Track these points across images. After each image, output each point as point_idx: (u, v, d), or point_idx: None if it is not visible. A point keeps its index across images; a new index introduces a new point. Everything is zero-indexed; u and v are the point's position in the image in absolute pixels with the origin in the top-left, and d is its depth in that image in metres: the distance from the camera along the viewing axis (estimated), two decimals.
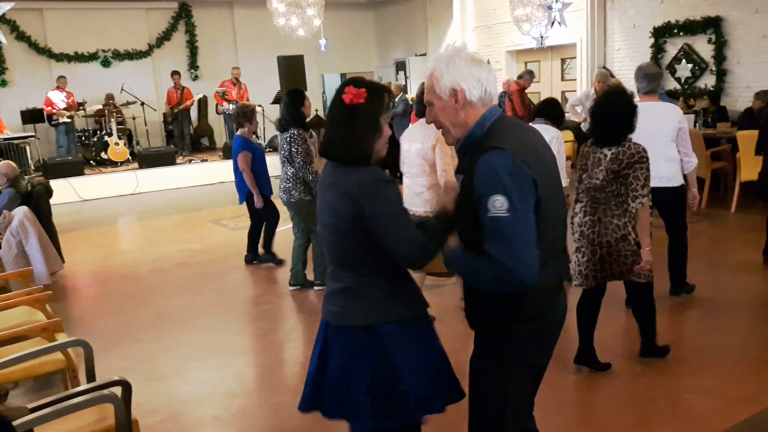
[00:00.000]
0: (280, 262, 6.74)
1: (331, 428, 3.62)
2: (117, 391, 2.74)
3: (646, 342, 4.13)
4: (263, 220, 6.72)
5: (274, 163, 6.63)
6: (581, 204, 3.80)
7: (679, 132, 4.70)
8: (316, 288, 5.83)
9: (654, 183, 4.54)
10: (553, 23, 9.39)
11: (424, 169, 4.52)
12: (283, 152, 5.60)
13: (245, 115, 6.43)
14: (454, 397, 2.35)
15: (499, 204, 1.87)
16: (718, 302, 5.10)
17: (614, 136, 3.67)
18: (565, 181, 4.75)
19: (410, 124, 4.98)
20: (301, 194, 5.60)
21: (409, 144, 4.59)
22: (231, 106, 13.79)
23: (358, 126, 2.19)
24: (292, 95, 5.68)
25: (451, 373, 2.39)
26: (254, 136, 6.95)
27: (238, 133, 6.49)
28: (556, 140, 4.86)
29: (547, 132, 4.79)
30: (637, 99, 4.08)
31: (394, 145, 4.84)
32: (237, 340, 4.99)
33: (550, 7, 9.20)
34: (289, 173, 5.63)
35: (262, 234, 6.82)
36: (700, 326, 4.63)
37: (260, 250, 6.88)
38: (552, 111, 5.14)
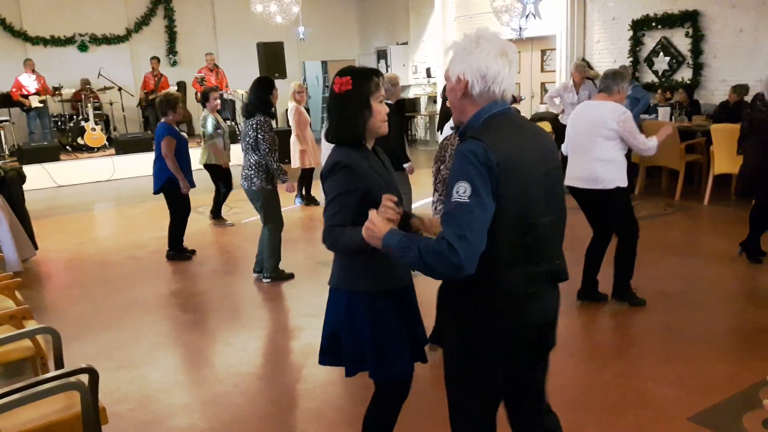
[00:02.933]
0: (188, 258, 6.71)
1: (298, 414, 3.65)
2: (84, 378, 2.73)
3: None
4: (173, 212, 6.60)
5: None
6: (438, 193, 3.90)
7: (621, 133, 4.52)
8: (254, 274, 5.94)
9: (581, 184, 4.62)
10: (527, 15, 9.40)
11: None
12: (247, 139, 5.54)
13: (168, 103, 6.41)
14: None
15: (462, 190, 1.90)
16: (688, 293, 5.19)
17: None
18: None
19: None
20: (263, 183, 5.53)
21: None
22: None
23: (347, 110, 2.40)
24: (262, 82, 5.64)
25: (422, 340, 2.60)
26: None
27: (162, 120, 6.43)
28: None
29: None
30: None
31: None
32: (208, 329, 4.98)
33: (521, 0, 9.21)
34: (252, 161, 5.54)
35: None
36: (668, 317, 4.70)
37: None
38: None
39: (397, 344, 2.48)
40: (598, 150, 4.51)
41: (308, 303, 5.31)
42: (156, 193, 6.54)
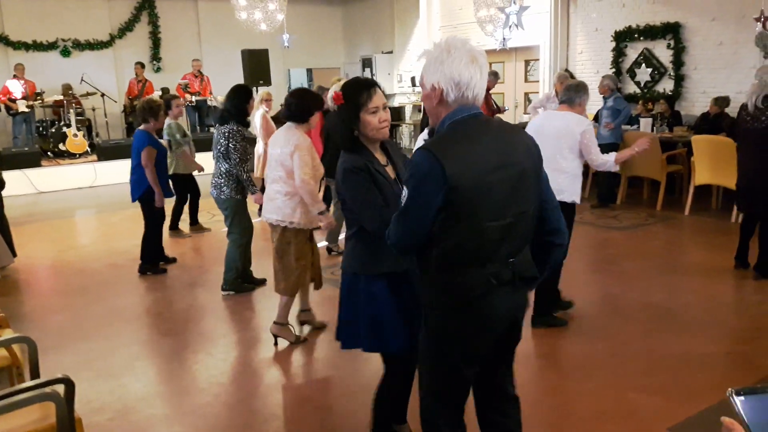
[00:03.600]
0: (163, 271, 6.52)
1: (278, 425, 3.62)
2: (60, 389, 2.69)
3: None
4: (149, 223, 6.41)
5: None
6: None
7: (583, 146, 4.54)
8: (222, 292, 5.75)
9: None
10: (510, 26, 9.47)
11: (280, 175, 4.41)
12: (218, 147, 5.40)
13: (151, 110, 6.18)
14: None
15: (405, 194, 2.13)
16: (669, 304, 5.21)
17: None
18: None
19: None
20: (233, 192, 5.44)
21: (272, 148, 4.51)
22: (194, 99, 13.64)
23: (344, 121, 2.74)
24: (239, 90, 5.52)
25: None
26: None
27: (142, 128, 6.22)
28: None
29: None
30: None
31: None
32: (190, 339, 4.93)
33: (503, 10, 9.27)
34: (222, 169, 5.43)
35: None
36: (650, 327, 4.73)
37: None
38: None
39: (393, 322, 2.74)
40: (562, 161, 4.54)
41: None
42: (134, 201, 6.37)
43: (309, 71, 17.49)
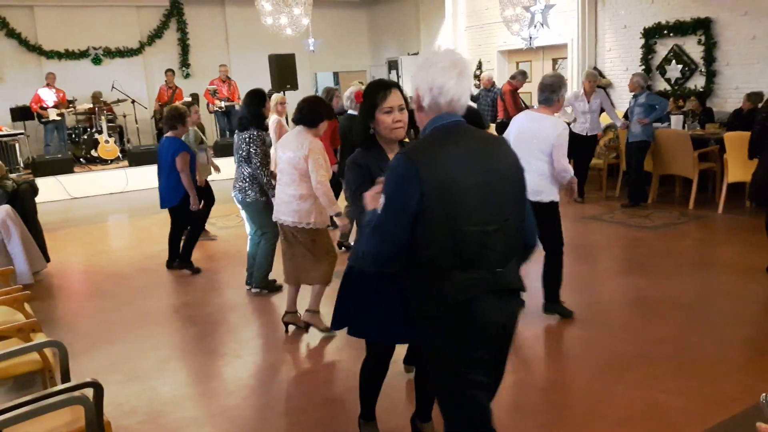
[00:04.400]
0: (197, 271, 6.63)
1: (307, 426, 3.62)
2: (89, 392, 2.72)
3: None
4: (187, 225, 6.58)
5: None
6: None
7: (553, 149, 4.54)
8: (253, 290, 5.87)
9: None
10: (536, 25, 9.39)
11: (293, 178, 4.53)
12: (240, 152, 5.55)
13: (179, 117, 6.31)
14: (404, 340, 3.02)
15: (382, 201, 2.15)
16: (702, 304, 5.12)
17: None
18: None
19: None
20: (257, 195, 5.56)
21: (282, 152, 4.61)
22: (223, 104, 13.78)
23: (361, 118, 2.89)
24: (254, 96, 5.61)
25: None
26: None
27: (170, 134, 6.33)
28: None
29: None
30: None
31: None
32: (219, 341, 4.97)
33: (528, 9, 9.19)
34: (245, 173, 5.56)
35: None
36: (681, 328, 4.64)
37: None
38: (470, 120, 5.11)
39: (372, 312, 2.91)
40: (538, 163, 4.56)
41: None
42: (170, 207, 6.46)
43: (335, 74, 17.57)
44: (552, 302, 4.93)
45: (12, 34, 13.69)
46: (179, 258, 6.70)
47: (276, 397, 4.01)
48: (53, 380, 3.45)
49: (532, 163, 4.50)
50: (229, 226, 8.63)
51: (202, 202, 7.75)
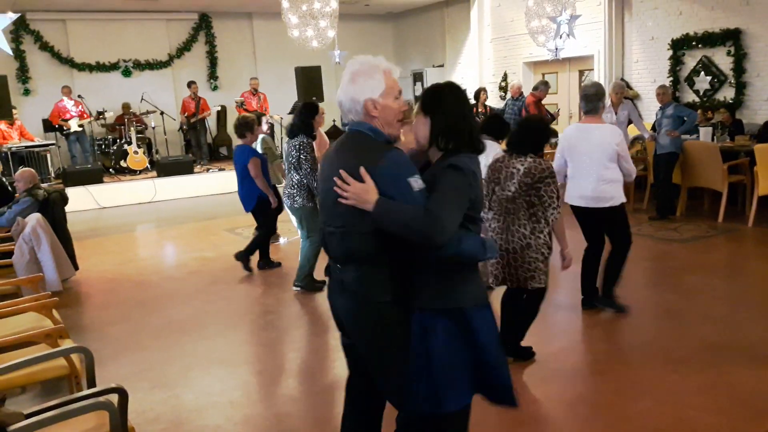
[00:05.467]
0: (249, 270, 6.85)
1: None
2: (114, 398, 2.75)
3: (511, 341, 4.26)
4: (261, 225, 6.85)
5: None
6: (492, 212, 4.12)
7: (619, 156, 4.76)
8: (293, 288, 6.14)
9: (587, 203, 4.91)
10: (561, 35, 9.35)
11: None
12: (290, 159, 5.81)
13: (247, 125, 6.63)
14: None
15: (416, 183, 2.39)
16: (732, 317, 5.02)
17: (524, 148, 4.07)
18: None
19: None
20: (304, 200, 5.82)
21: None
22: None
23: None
24: (307, 106, 6.01)
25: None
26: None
27: (240, 142, 6.67)
28: (494, 154, 4.91)
29: (492, 148, 4.86)
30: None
31: None
32: (243, 350, 4.99)
33: (554, 20, 9.16)
34: (294, 180, 5.83)
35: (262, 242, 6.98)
36: (711, 342, 4.55)
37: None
38: (497, 128, 5.19)
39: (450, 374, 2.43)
40: (605, 171, 4.76)
41: None
42: (248, 211, 6.80)
43: None
44: (606, 296, 5.10)
45: (45, 47, 14.01)
46: (244, 252, 6.86)
47: (301, 407, 4.01)
48: (79, 386, 3.50)
49: (599, 172, 4.73)
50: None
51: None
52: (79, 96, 13.17)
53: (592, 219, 4.99)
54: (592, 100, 4.87)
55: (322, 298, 5.89)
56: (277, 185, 7.48)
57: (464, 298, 2.42)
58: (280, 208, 6.88)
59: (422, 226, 2.23)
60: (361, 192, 2.28)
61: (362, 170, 2.28)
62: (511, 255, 4.03)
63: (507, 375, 2.51)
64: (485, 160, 5.00)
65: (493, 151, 4.89)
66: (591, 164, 4.78)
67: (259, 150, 7.50)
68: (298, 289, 6.10)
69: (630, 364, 4.30)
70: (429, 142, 2.48)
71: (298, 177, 5.79)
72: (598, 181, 4.77)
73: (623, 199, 4.91)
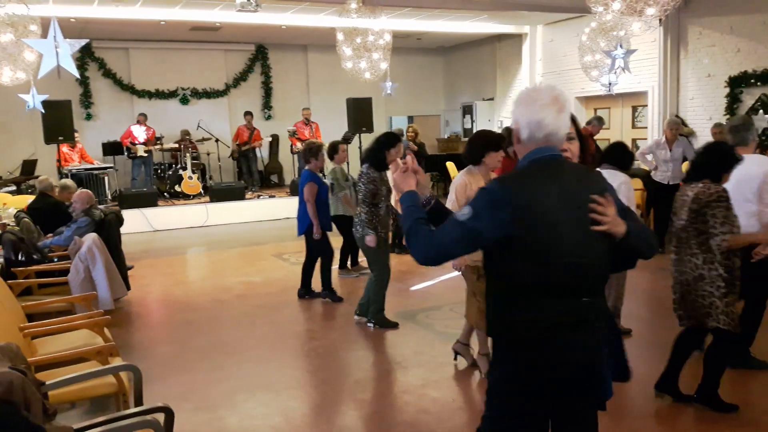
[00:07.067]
0: (339, 299, 6.83)
1: None
2: (160, 417, 2.80)
3: (670, 381, 4.05)
4: (318, 255, 6.88)
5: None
6: (672, 244, 3.99)
7: (762, 187, 4.34)
8: (355, 316, 6.05)
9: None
10: (617, 70, 9.28)
11: None
12: (358, 188, 5.88)
13: (312, 151, 6.77)
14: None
15: (465, 211, 2.19)
16: None
17: (697, 174, 3.86)
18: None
19: None
20: (371, 232, 5.70)
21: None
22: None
23: None
24: (387, 136, 5.93)
25: None
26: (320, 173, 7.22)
27: (306, 168, 6.81)
28: (625, 186, 4.84)
29: (614, 177, 4.78)
30: None
31: None
32: (287, 375, 5.01)
33: (610, 54, 9.09)
34: (360, 210, 5.83)
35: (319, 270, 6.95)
36: None
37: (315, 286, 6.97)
38: (618, 156, 5.07)
39: None
40: (749, 205, 4.32)
41: (393, 349, 5.29)
42: (300, 234, 6.90)
43: (410, 118, 17.80)
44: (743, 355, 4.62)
45: (108, 74, 14.58)
46: (323, 287, 6.90)
47: None
48: (126, 403, 3.57)
49: (743, 206, 4.24)
50: (301, 262, 8.75)
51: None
52: (138, 122, 13.61)
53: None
54: (738, 131, 4.56)
55: (368, 329, 5.89)
56: (345, 215, 7.50)
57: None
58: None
59: None
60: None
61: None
62: (685, 287, 3.87)
63: None
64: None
65: (615, 181, 4.85)
66: (738, 195, 4.19)
67: (328, 179, 7.49)
68: (371, 325, 5.90)
69: (695, 416, 4.15)
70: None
71: (366, 208, 5.74)
72: (742, 213, 4.15)
73: None
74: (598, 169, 5.06)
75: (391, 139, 5.83)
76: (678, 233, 3.91)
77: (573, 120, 2.74)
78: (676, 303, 3.94)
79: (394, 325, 5.90)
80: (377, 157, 5.74)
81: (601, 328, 2.26)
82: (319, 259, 6.98)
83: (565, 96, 2.26)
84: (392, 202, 6.56)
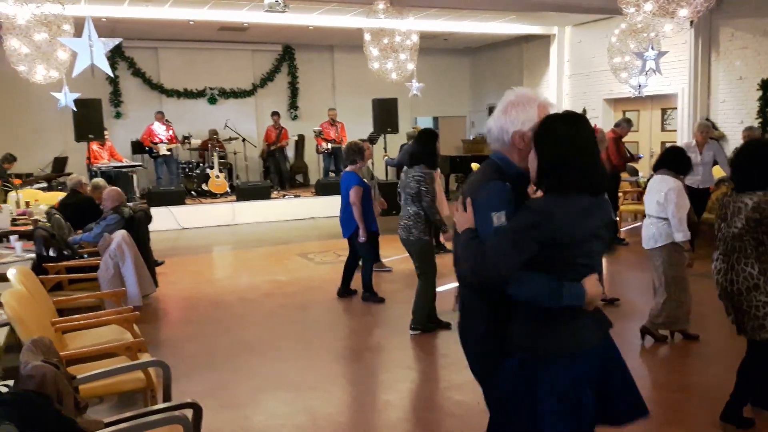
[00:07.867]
0: (381, 300, 6.76)
1: None
2: (188, 413, 2.82)
3: (732, 405, 3.80)
4: (362, 257, 6.78)
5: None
6: (717, 252, 3.84)
7: None
8: (411, 332, 5.71)
9: None
10: (647, 72, 9.17)
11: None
12: (408, 189, 5.53)
13: (359, 151, 6.60)
14: None
15: (493, 219, 2.30)
16: None
17: (753, 183, 3.66)
18: (682, 236, 4.86)
19: None
20: (421, 233, 5.52)
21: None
22: (329, 146, 14.19)
23: None
24: (427, 133, 5.74)
25: None
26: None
27: (349, 169, 6.64)
28: (672, 192, 4.84)
29: (664, 183, 4.74)
30: None
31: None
32: (312, 374, 5.02)
33: (641, 55, 8.98)
34: (411, 211, 5.53)
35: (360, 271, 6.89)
36: None
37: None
38: (674, 160, 5.02)
39: None
40: None
41: (419, 351, 5.29)
42: (346, 237, 6.78)
43: (435, 119, 17.78)
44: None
45: (137, 73, 14.78)
46: (364, 289, 6.83)
47: None
48: (154, 399, 3.60)
49: None
50: (326, 261, 8.80)
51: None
52: (166, 120, 13.76)
53: None
54: None
55: (393, 330, 5.89)
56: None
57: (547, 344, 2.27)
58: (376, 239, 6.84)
59: (473, 263, 2.22)
60: (460, 221, 2.33)
61: (468, 201, 2.32)
62: (736, 297, 3.71)
63: None
64: (657, 196, 4.94)
65: (666, 186, 4.84)
66: None
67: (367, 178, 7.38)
68: (417, 332, 5.69)
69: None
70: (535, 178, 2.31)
71: (415, 209, 5.48)
72: None
73: None
74: (654, 174, 5.09)
75: (433, 134, 5.71)
76: (730, 242, 3.73)
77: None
78: (729, 314, 3.80)
79: (447, 326, 5.71)
80: (430, 154, 5.55)
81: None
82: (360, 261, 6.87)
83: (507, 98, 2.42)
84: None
